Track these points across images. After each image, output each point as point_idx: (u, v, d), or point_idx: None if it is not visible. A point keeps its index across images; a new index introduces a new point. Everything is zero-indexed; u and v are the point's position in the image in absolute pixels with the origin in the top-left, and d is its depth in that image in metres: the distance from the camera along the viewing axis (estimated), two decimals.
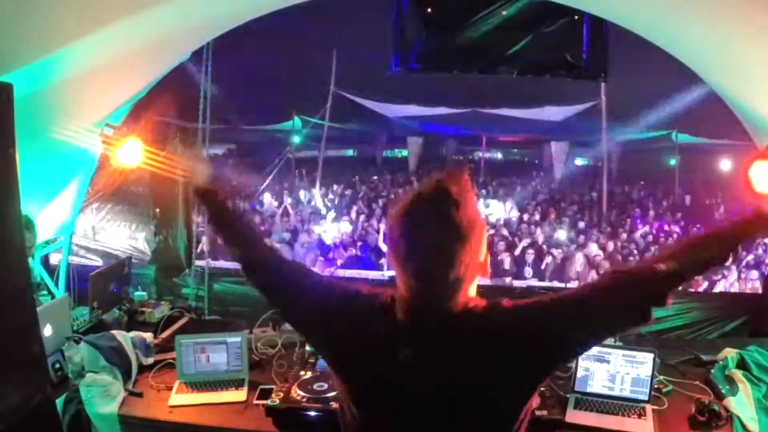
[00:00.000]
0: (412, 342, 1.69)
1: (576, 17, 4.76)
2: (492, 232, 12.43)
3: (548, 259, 10.73)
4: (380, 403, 1.78)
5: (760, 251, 10.79)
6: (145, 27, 3.62)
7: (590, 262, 10.80)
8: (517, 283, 9.37)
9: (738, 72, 4.03)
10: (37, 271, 4.81)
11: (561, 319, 1.71)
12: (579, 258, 10.74)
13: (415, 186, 1.81)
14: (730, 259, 1.82)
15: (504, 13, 4.62)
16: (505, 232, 12.79)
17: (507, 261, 10.44)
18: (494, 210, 15.10)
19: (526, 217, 14.50)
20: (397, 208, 1.72)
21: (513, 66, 4.83)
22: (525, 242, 11.70)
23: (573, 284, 9.81)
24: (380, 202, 15.68)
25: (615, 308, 1.73)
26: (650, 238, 12.62)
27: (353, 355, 1.80)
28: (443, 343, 1.69)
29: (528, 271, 10.29)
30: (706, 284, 9.20)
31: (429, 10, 4.66)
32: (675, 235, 12.95)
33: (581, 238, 12.26)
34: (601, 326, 1.76)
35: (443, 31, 4.67)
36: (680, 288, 1.78)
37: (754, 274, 9.73)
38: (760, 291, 8.07)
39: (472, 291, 1.77)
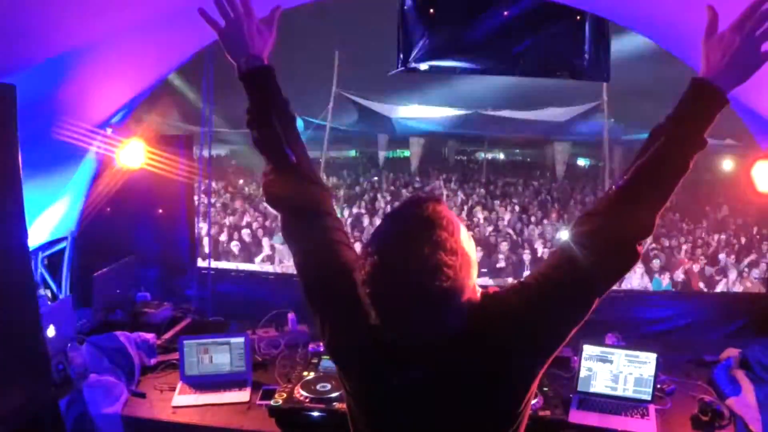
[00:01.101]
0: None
1: (578, 18, 4.76)
2: (494, 232, 12.45)
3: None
4: (377, 401, 1.72)
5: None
6: (147, 29, 3.62)
7: None
8: None
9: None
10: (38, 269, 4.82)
11: (551, 291, 1.63)
12: None
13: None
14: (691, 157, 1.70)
15: (506, 13, 4.62)
16: (509, 231, 12.81)
17: (508, 261, 10.46)
18: (496, 210, 15.11)
19: (528, 217, 14.51)
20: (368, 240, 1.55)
21: (516, 67, 4.83)
22: (526, 242, 11.73)
23: None
24: (382, 201, 15.71)
25: (601, 259, 1.65)
26: (650, 237, 12.60)
27: (347, 339, 1.70)
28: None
29: (526, 273, 10.29)
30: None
31: (432, 10, 4.66)
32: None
33: None
34: (596, 280, 1.67)
35: (446, 31, 4.67)
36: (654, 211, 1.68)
37: (756, 273, 9.75)
38: (762, 290, 8.07)
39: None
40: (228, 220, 13.31)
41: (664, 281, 9.72)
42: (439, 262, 1.43)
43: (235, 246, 11.19)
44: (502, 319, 1.61)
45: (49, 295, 4.94)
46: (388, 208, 12.76)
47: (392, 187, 18.68)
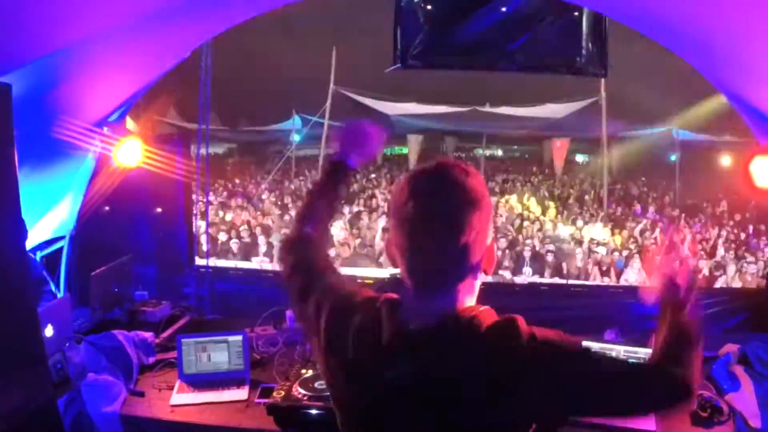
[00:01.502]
0: (403, 359, 1.55)
1: (576, 13, 4.75)
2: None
3: (549, 255, 10.76)
4: (368, 425, 1.68)
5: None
6: (144, 26, 3.61)
7: (590, 258, 10.83)
8: (518, 280, 9.40)
9: (740, 68, 4.02)
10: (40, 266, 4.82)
11: (584, 382, 1.54)
12: (579, 254, 10.78)
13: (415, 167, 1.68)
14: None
15: (503, 9, 4.61)
16: (509, 227, 12.82)
17: (507, 257, 10.46)
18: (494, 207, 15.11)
19: (526, 213, 14.52)
20: (398, 185, 1.62)
21: (513, 62, 4.81)
22: (526, 239, 11.73)
23: (573, 280, 9.86)
24: (381, 198, 15.71)
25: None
26: (650, 234, 12.64)
27: (344, 364, 1.68)
28: (438, 361, 1.52)
29: (527, 269, 10.32)
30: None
31: (429, 6, 4.65)
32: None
33: (581, 234, 12.28)
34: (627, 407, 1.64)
35: (443, 27, 4.66)
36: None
37: (753, 268, 9.76)
38: (761, 286, 8.07)
39: (476, 288, 1.63)
40: (226, 218, 13.32)
41: None
42: (466, 216, 1.51)
43: (234, 244, 11.19)
44: (521, 366, 1.50)
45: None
46: (386, 206, 12.75)
47: (390, 185, 18.68)
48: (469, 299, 1.60)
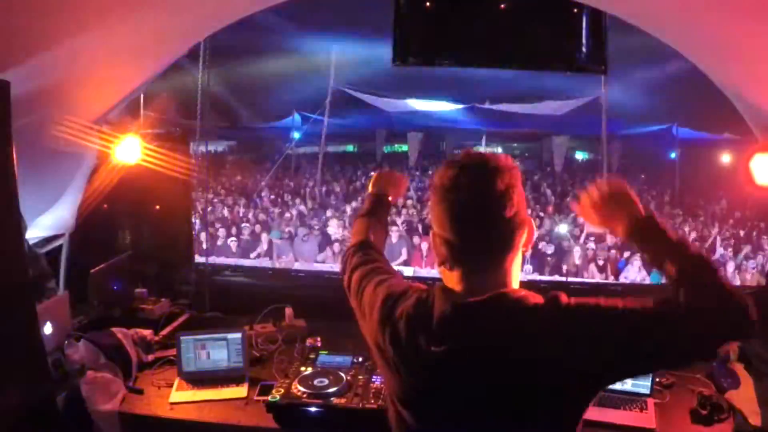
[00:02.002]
0: (455, 332, 1.65)
1: (575, 10, 4.74)
2: None
3: (549, 252, 10.77)
4: (420, 402, 1.76)
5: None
6: (143, 23, 3.60)
7: (588, 256, 10.83)
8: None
9: (740, 65, 4.01)
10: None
11: (627, 330, 1.59)
12: (577, 251, 10.78)
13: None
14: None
15: (503, 6, 4.60)
16: None
17: None
18: None
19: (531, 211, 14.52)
20: (441, 174, 1.72)
21: (512, 60, 4.80)
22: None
23: (571, 278, 9.86)
24: None
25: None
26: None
27: (402, 350, 1.76)
28: (489, 330, 1.63)
29: (527, 266, 10.32)
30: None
31: (428, 4, 4.64)
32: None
33: (580, 231, 12.29)
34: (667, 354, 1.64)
35: (442, 24, 4.65)
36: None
37: (753, 264, 9.76)
38: (761, 283, 8.07)
39: (518, 266, 1.76)
40: (226, 216, 13.31)
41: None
42: (509, 192, 1.64)
43: (232, 242, 11.19)
44: (569, 328, 1.60)
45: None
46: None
47: None
48: (516, 278, 1.74)
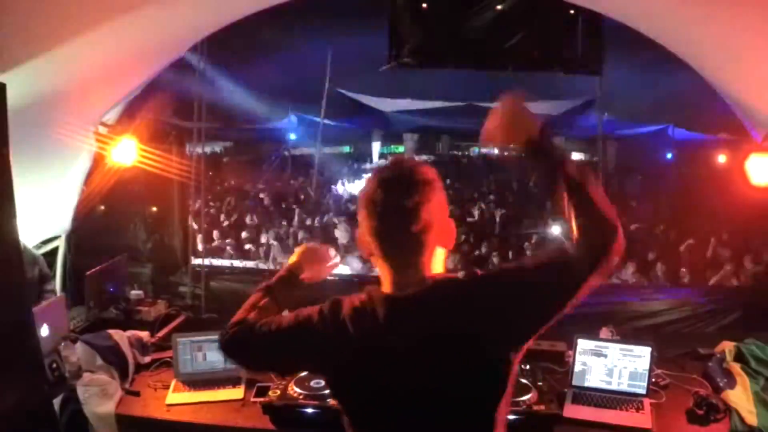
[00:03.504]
0: (402, 323, 1.81)
1: (571, 11, 4.75)
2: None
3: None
4: (373, 398, 1.89)
5: None
6: (142, 23, 3.60)
7: None
8: None
9: (734, 66, 4.03)
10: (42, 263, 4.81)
11: (528, 285, 1.82)
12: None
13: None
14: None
15: (499, 7, 4.61)
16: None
17: (501, 256, 10.45)
18: (490, 205, 15.11)
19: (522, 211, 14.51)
20: (367, 181, 1.91)
21: (508, 61, 4.82)
22: (522, 237, 11.73)
23: None
24: None
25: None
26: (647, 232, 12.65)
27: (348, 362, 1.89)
28: (423, 313, 1.81)
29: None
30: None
31: (424, 5, 4.65)
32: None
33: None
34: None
35: (438, 26, 4.66)
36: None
37: (749, 266, 9.76)
38: (757, 283, 8.09)
39: (439, 260, 1.91)
40: (221, 217, 13.29)
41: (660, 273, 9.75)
42: (417, 208, 1.79)
43: (229, 243, 11.17)
44: (487, 295, 1.82)
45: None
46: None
47: None
48: (438, 267, 1.90)
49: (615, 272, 10.21)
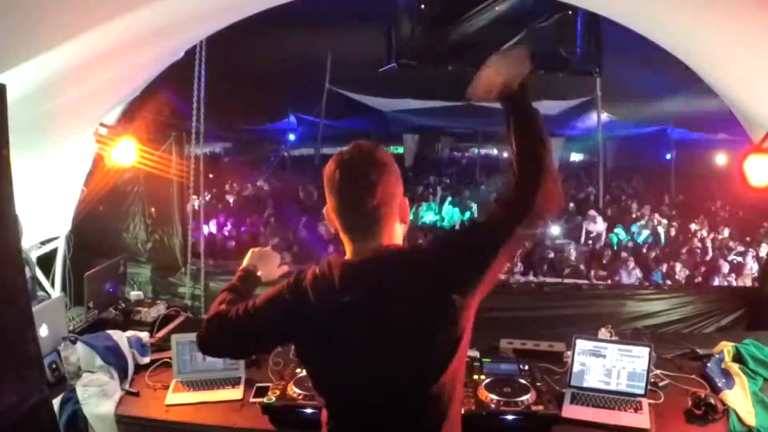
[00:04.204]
0: (355, 286, 1.99)
1: (570, 12, 4.76)
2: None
3: (549, 253, 10.75)
4: (336, 349, 2.08)
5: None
6: (141, 24, 3.60)
7: (585, 256, 10.81)
8: (512, 280, 9.39)
9: (733, 67, 4.03)
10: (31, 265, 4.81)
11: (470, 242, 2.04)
12: (573, 251, 10.78)
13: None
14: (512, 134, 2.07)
15: (498, 8, 4.62)
16: None
17: None
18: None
19: None
20: (329, 163, 2.08)
21: None
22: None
23: (568, 278, 9.86)
24: None
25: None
26: (646, 231, 12.66)
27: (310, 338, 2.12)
28: (372, 273, 2.00)
29: (519, 266, 10.30)
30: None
31: (423, 6, 4.65)
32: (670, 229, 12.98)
33: (576, 231, 12.29)
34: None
35: (437, 26, 4.66)
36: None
37: (748, 266, 9.77)
38: (755, 284, 8.09)
39: (398, 234, 2.11)
40: (222, 218, 13.29)
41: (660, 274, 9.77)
42: (373, 186, 2.00)
43: (228, 244, 11.17)
44: (430, 257, 2.04)
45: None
46: None
47: None
48: (395, 241, 2.09)
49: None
